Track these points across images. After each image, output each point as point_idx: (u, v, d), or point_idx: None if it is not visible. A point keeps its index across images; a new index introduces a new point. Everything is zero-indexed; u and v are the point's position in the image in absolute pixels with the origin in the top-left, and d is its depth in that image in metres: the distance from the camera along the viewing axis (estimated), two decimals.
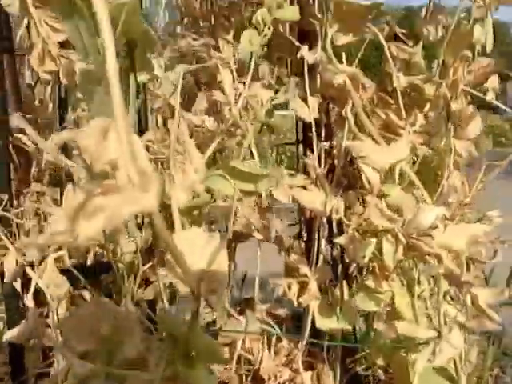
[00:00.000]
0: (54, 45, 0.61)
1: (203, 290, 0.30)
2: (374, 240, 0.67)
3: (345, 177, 0.96)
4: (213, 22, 1.00)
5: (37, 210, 0.54)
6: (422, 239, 0.55)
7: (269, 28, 0.74)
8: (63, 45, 0.66)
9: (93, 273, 0.62)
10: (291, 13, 0.72)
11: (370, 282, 0.68)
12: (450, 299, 0.73)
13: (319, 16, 0.87)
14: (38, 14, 0.62)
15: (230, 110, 0.63)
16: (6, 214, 0.49)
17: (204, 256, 0.30)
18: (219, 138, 0.61)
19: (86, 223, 0.17)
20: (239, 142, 0.63)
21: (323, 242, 0.89)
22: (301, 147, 0.99)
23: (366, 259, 0.66)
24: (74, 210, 0.17)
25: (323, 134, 0.92)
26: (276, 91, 0.84)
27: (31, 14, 0.62)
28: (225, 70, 0.66)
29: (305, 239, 0.99)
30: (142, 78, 0.49)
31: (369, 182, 0.61)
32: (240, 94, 0.65)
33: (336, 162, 0.92)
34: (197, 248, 0.30)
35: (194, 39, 0.90)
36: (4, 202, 0.51)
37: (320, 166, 0.84)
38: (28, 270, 0.50)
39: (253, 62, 0.69)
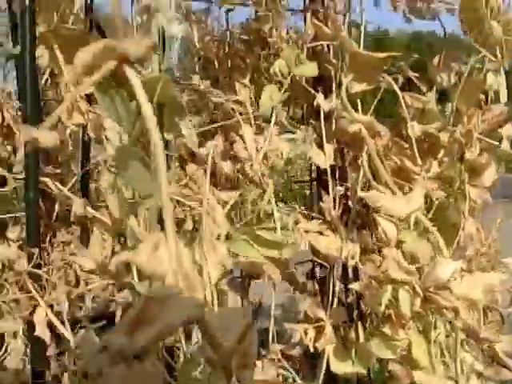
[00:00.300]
0: (82, 99, 0.63)
1: (235, 366, 0.31)
2: (389, 287, 0.68)
3: (359, 217, 0.97)
4: (229, 65, 1.03)
5: (63, 259, 0.56)
6: (439, 293, 0.56)
7: (285, 78, 0.76)
8: (90, 97, 0.69)
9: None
10: (311, 70, 0.75)
11: (386, 330, 0.69)
12: (466, 346, 0.73)
13: (334, 62, 0.90)
14: (67, 68, 0.65)
15: (251, 165, 0.65)
16: (36, 270, 0.50)
17: (235, 331, 0.31)
18: (240, 191, 0.63)
19: (141, 334, 0.18)
20: (260, 194, 0.65)
21: (337, 283, 0.90)
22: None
23: (383, 307, 0.67)
24: (130, 322, 0.18)
25: (337, 176, 0.94)
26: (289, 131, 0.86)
27: (61, 68, 0.65)
28: (246, 126, 0.68)
29: (318, 278, 1.00)
30: (169, 137, 0.51)
31: (385, 234, 0.62)
32: (261, 148, 0.67)
33: (350, 203, 0.93)
34: (228, 323, 0.31)
35: (212, 86, 0.93)
36: (34, 256, 0.52)
37: (335, 208, 0.85)
38: (56, 322, 0.51)
39: (274, 117, 0.71)
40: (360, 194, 0.64)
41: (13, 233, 0.82)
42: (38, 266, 0.51)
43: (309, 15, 0.85)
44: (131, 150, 0.34)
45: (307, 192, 1.16)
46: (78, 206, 0.57)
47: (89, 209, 0.56)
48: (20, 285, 0.50)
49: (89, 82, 0.29)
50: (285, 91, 0.72)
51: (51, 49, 0.65)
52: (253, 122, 0.70)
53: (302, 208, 0.91)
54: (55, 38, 0.63)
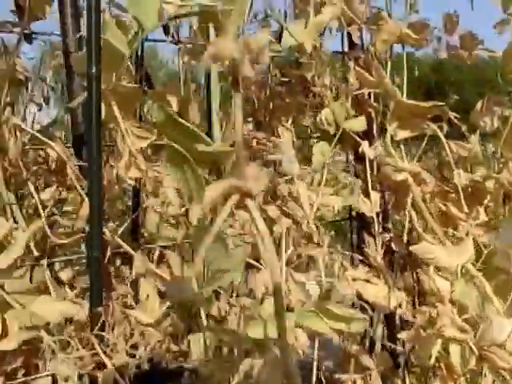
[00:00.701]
0: (139, 153, 0.66)
1: None
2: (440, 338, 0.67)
3: (402, 258, 0.97)
4: (271, 107, 1.05)
5: (122, 312, 0.57)
6: (494, 351, 0.55)
7: (330, 126, 0.78)
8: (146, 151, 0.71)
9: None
10: (360, 124, 0.76)
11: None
12: None
13: (379, 109, 0.91)
14: (125, 125, 0.67)
15: (308, 223, 0.66)
16: (102, 333, 0.52)
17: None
18: (293, 245, 0.64)
19: None
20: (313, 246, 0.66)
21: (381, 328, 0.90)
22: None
23: (433, 359, 0.66)
24: None
25: (380, 218, 0.94)
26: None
27: (119, 124, 0.68)
28: (299, 183, 0.69)
29: None
30: None
31: (439, 291, 0.62)
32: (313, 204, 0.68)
33: (393, 245, 0.94)
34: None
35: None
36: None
37: (377, 249, 0.86)
38: (120, 380, 0.52)
39: (325, 172, 0.73)
40: (411, 248, 0.64)
41: (64, 274, 0.84)
42: (102, 324, 0.52)
43: (351, 62, 0.86)
44: (207, 228, 0.36)
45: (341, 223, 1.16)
46: (139, 262, 0.58)
47: (150, 265, 0.58)
48: (84, 343, 0.52)
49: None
50: (335, 145, 0.73)
51: (109, 105, 0.68)
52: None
53: (343, 249, 0.92)
54: (113, 95, 0.66)
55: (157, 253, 0.71)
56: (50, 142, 0.62)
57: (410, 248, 0.65)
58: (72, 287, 0.68)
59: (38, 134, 0.63)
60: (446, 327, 0.59)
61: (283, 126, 1.01)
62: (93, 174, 0.52)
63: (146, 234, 0.76)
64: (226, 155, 0.41)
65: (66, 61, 0.77)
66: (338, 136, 0.73)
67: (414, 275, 0.97)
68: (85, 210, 0.60)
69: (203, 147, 0.42)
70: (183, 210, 0.63)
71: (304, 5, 0.89)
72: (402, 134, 0.81)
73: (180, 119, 0.45)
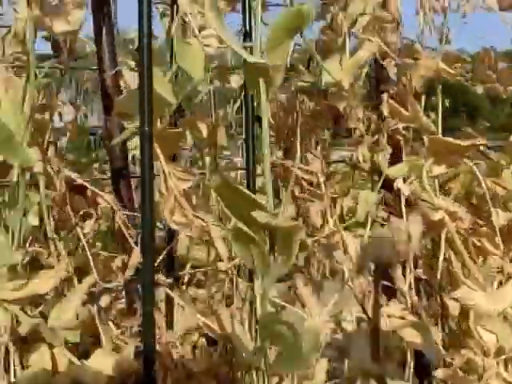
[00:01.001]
0: (182, 196, 0.66)
1: None
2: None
3: (429, 285, 0.97)
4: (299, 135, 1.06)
5: None
6: None
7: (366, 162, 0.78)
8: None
9: None
10: (402, 171, 0.76)
11: None
12: None
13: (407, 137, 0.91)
14: (168, 168, 0.68)
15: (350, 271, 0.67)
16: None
17: None
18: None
19: None
20: None
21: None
22: None
23: None
24: None
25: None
26: None
27: (163, 167, 0.68)
28: (348, 236, 0.69)
29: None
30: None
31: (485, 344, 0.62)
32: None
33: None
34: None
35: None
36: None
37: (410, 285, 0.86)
38: None
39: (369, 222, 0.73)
40: (452, 294, 0.64)
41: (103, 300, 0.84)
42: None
43: (385, 96, 0.86)
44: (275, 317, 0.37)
45: None
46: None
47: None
48: None
49: None
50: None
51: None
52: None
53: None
54: (157, 139, 0.67)
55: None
56: (100, 192, 0.63)
57: (452, 295, 0.65)
58: (117, 325, 0.69)
59: (87, 185, 0.63)
60: (491, 379, 0.59)
61: (312, 153, 1.02)
62: (145, 222, 0.52)
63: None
64: (286, 229, 0.41)
65: (104, 99, 0.78)
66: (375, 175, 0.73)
67: (439, 299, 0.97)
68: (135, 259, 0.60)
69: (263, 218, 0.42)
70: (232, 263, 0.63)
71: (336, 36, 0.89)
72: (438, 170, 0.81)
73: (239, 187, 0.45)
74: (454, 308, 0.84)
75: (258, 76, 0.52)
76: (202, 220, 0.60)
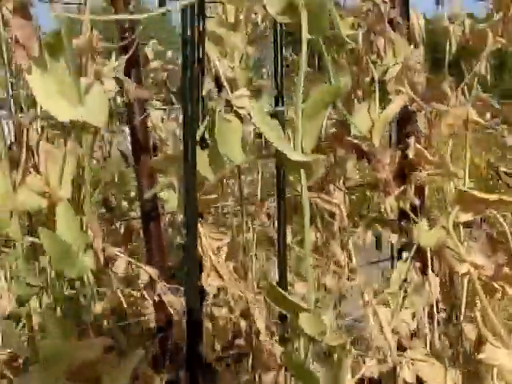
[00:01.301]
0: (216, 259, 0.69)
1: None
2: None
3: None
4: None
5: None
6: None
7: None
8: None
9: None
10: (435, 240, 0.78)
11: None
12: None
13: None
14: (204, 230, 0.70)
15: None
16: None
17: None
18: None
19: None
20: None
21: None
22: None
23: None
24: None
25: None
26: None
27: (200, 227, 0.71)
28: (381, 309, 0.72)
29: None
30: None
31: None
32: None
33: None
34: None
35: None
36: None
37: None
38: None
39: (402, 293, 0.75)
40: (479, 356, 0.67)
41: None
42: None
43: (412, 140, 0.87)
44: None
45: None
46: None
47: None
48: None
49: None
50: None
51: None
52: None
53: None
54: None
55: None
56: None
57: (478, 356, 0.68)
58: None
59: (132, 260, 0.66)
60: None
61: (336, 186, 1.03)
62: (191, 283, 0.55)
63: None
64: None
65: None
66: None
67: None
68: None
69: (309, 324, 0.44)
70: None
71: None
72: (465, 217, 0.82)
73: (284, 293, 0.48)
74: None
75: (299, 167, 0.54)
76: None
